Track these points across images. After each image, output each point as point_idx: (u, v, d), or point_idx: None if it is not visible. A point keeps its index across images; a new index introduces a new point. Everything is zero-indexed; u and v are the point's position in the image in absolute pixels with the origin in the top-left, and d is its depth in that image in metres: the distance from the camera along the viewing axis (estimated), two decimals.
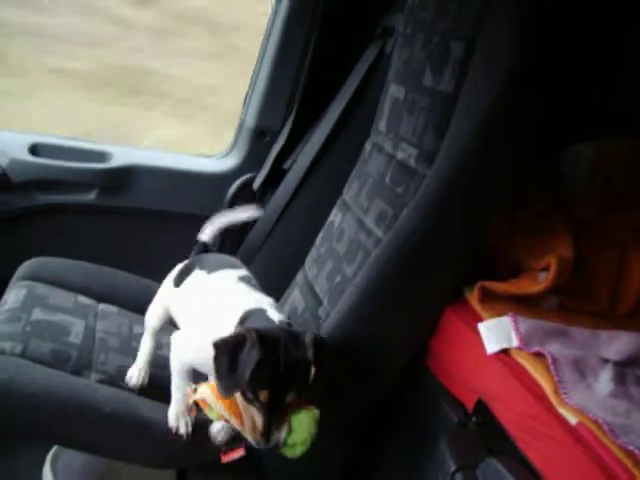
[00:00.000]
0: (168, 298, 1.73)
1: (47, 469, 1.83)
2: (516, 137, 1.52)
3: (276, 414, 1.31)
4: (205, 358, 1.40)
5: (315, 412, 1.38)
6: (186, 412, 1.53)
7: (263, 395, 1.28)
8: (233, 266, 1.67)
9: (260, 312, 1.43)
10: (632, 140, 1.91)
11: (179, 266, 1.79)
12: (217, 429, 1.55)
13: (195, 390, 1.43)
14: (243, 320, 1.40)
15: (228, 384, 1.30)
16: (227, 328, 1.38)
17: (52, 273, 1.99)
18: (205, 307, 1.54)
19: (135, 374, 1.67)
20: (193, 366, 1.53)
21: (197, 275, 1.66)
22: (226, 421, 1.39)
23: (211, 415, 1.39)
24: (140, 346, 1.74)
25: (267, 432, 1.31)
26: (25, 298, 1.83)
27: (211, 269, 1.64)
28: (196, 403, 1.44)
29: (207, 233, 1.90)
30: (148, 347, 1.73)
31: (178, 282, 1.70)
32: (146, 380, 1.67)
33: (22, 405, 1.48)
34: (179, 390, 1.53)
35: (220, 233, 2.50)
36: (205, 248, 1.87)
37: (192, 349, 1.50)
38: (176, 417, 1.53)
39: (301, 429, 1.35)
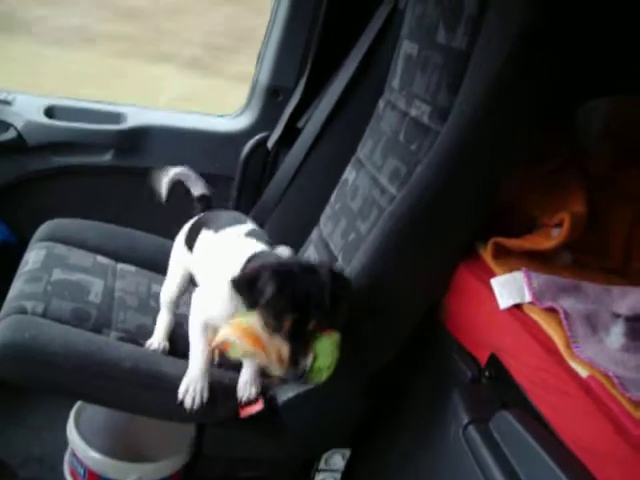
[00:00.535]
0: (186, 263, 1.74)
1: (71, 424, 1.87)
2: (529, 94, 1.51)
3: (300, 342, 1.35)
4: (221, 310, 1.46)
5: (336, 336, 1.42)
6: (204, 376, 1.56)
7: (286, 323, 1.32)
8: (238, 222, 1.68)
9: (267, 252, 1.47)
10: None
11: (185, 229, 1.81)
12: (243, 383, 1.60)
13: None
14: (250, 261, 1.43)
15: (248, 304, 1.35)
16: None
17: (71, 234, 2.02)
18: (216, 264, 1.56)
19: (154, 346, 1.69)
20: (211, 321, 1.55)
21: (205, 236, 1.67)
22: (251, 357, 1.42)
23: (235, 354, 1.40)
24: (157, 321, 1.75)
25: (294, 360, 1.34)
26: (45, 258, 1.86)
27: (217, 228, 1.65)
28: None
29: (201, 186, 1.90)
30: (165, 321, 1.75)
31: (190, 245, 1.72)
32: (163, 346, 1.70)
33: (45, 363, 1.52)
34: (198, 346, 1.55)
35: (237, 192, 2.53)
36: (207, 201, 1.88)
37: (209, 303, 1.54)
38: (186, 387, 1.55)
39: (325, 354, 1.39)
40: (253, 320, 1.36)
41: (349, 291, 1.46)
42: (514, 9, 1.44)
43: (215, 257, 1.59)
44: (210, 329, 1.54)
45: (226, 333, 1.39)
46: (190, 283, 1.77)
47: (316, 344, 1.39)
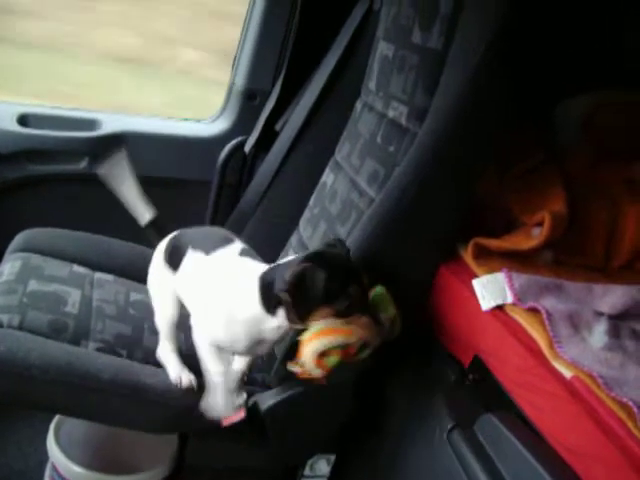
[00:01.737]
0: (172, 286, 1.65)
1: (51, 437, 1.84)
2: (506, 92, 1.51)
3: (368, 302, 1.39)
4: (233, 337, 1.46)
5: (382, 287, 1.46)
6: (233, 392, 1.54)
7: (353, 289, 1.34)
8: (227, 241, 1.63)
9: (274, 266, 1.46)
10: (627, 93, 1.89)
11: (161, 248, 1.73)
12: (210, 397, 1.57)
13: (298, 363, 1.41)
14: (265, 282, 1.42)
15: (304, 308, 1.34)
16: (252, 301, 1.42)
17: (46, 244, 1.99)
18: (218, 288, 1.51)
19: (185, 382, 1.59)
20: (221, 344, 1.52)
21: (195, 258, 1.60)
22: (346, 353, 1.38)
23: (331, 363, 1.37)
24: (162, 356, 1.66)
25: (377, 320, 1.38)
26: (20, 270, 1.83)
27: (207, 249, 1.59)
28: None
29: (144, 210, 1.82)
30: (174, 352, 1.65)
31: (174, 265, 1.64)
32: (193, 379, 1.60)
33: (21, 376, 1.49)
34: (216, 368, 1.52)
35: (214, 197, 2.51)
36: (157, 223, 1.81)
37: (218, 328, 1.49)
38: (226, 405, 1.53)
39: (385, 302, 1.45)
40: (323, 321, 1.36)
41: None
42: (489, 8, 1.43)
43: (214, 282, 1.54)
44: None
45: (315, 346, 1.36)
46: None
47: (375, 301, 1.43)
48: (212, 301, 1.51)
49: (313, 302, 1.33)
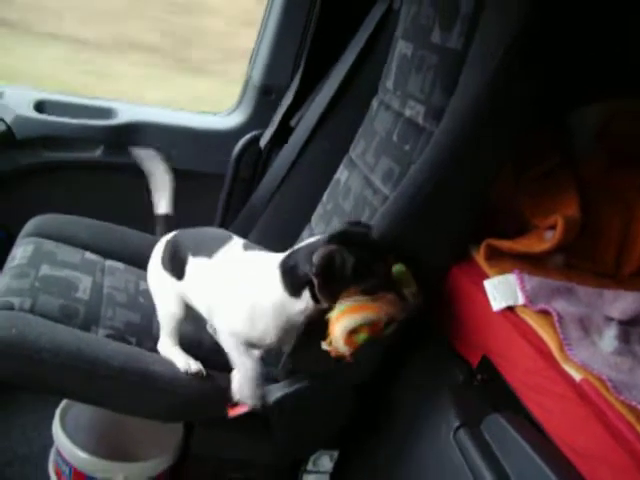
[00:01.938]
0: (177, 290, 1.67)
1: (56, 423, 1.85)
2: (524, 94, 1.50)
3: (392, 279, 1.44)
4: (263, 327, 1.48)
5: (402, 264, 1.51)
6: (255, 382, 1.55)
7: (380, 268, 1.40)
8: (225, 239, 1.65)
9: (294, 250, 1.49)
10: None
11: (157, 252, 1.75)
12: (238, 384, 1.57)
13: (330, 342, 1.43)
14: (287, 267, 1.45)
15: (333, 290, 1.38)
16: (275, 288, 1.45)
17: (59, 230, 2.00)
18: (236, 287, 1.53)
19: (194, 368, 1.61)
20: (250, 340, 1.54)
21: (198, 264, 1.62)
22: (373, 329, 1.40)
23: (360, 338, 1.39)
24: (165, 352, 1.66)
25: (401, 295, 1.42)
26: (33, 254, 1.84)
27: (208, 253, 1.61)
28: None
29: (164, 204, 1.88)
30: (173, 345, 1.66)
31: (177, 273, 1.65)
32: (200, 366, 1.62)
33: (31, 359, 1.49)
34: (242, 360, 1.54)
35: (227, 190, 2.52)
36: (169, 220, 1.86)
37: (245, 324, 1.50)
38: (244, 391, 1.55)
39: (407, 278, 1.50)
40: (351, 300, 1.39)
41: None
42: (511, 9, 1.43)
43: (228, 283, 1.55)
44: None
45: (344, 324, 1.38)
46: None
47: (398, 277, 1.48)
48: (233, 301, 1.53)
49: (342, 282, 1.37)
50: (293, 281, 1.44)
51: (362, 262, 1.36)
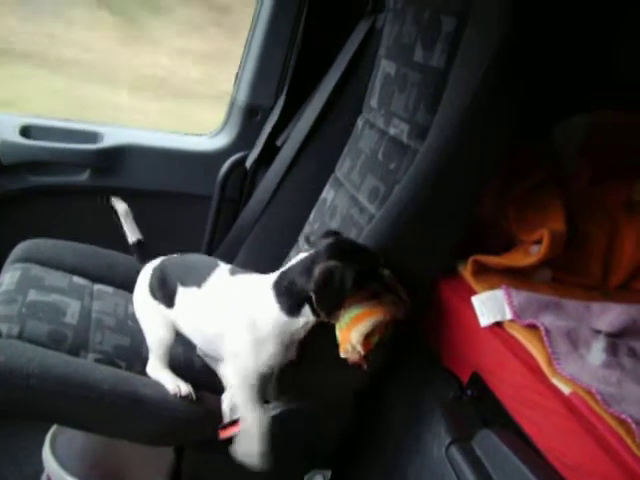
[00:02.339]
0: (167, 318, 1.66)
1: (47, 449, 1.83)
2: (507, 110, 1.52)
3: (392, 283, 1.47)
4: (269, 353, 1.48)
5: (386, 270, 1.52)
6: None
7: (381, 270, 1.46)
8: (211, 267, 1.65)
9: (285, 270, 1.49)
10: (625, 113, 1.91)
11: (144, 278, 1.74)
12: (228, 406, 1.59)
13: (346, 350, 1.44)
14: (281, 287, 1.46)
15: (333, 304, 1.40)
16: (272, 310, 1.46)
17: (46, 254, 1.99)
18: (232, 317, 1.53)
19: (184, 390, 1.60)
20: (262, 371, 1.53)
21: (188, 294, 1.62)
22: (381, 330, 1.42)
23: (375, 340, 1.42)
24: (154, 375, 1.65)
25: (400, 295, 1.46)
26: (20, 280, 1.83)
27: (197, 283, 1.61)
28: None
29: (131, 232, 1.87)
30: (163, 369, 1.65)
31: (166, 301, 1.65)
32: (190, 388, 1.62)
33: (20, 386, 1.48)
34: (254, 415, 1.52)
35: (214, 212, 2.52)
36: (142, 247, 1.85)
37: (250, 356, 1.50)
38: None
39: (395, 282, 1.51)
40: (356, 307, 1.42)
41: None
42: (492, 27, 1.45)
43: (223, 310, 1.55)
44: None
45: (360, 330, 1.40)
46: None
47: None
48: (233, 329, 1.52)
49: (342, 295, 1.38)
50: (290, 300, 1.44)
51: (362, 270, 1.39)
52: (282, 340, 1.48)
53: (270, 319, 1.46)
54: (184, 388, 1.60)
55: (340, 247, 1.44)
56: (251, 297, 1.51)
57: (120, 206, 1.87)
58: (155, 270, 1.72)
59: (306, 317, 1.45)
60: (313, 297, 1.39)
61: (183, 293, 1.62)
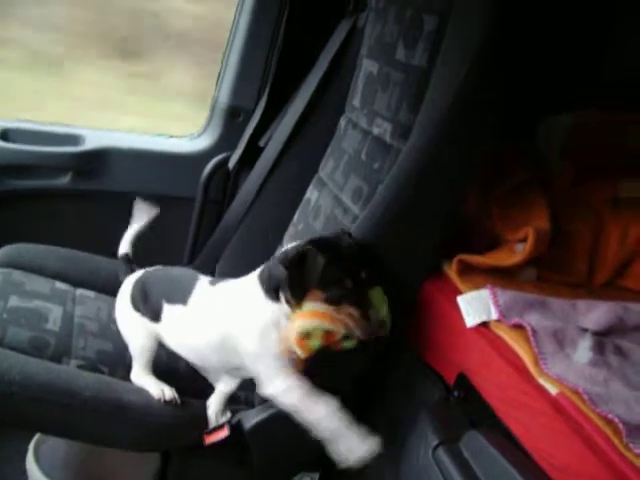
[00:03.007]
0: (152, 331, 1.66)
1: (30, 457, 1.82)
2: (490, 109, 1.51)
3: (362, 297, 1.41)
4: (274, 340, 1.45)
5: (379, 288, 1.49)
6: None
7: (348, 282, 1.38)
8: (192, 280, 1.65)
9: (268, 263, 1.50)
10: (606, 111, 1.91)
11: (126, 289, 1.75)
12: (214, 410, 1.61)
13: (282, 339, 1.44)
14: (265, 275, 1.47)
15: (299, 288, 1.39)
16: (261, 302, 1.46)
17: (28, 259, 1.97)
18: (223, 324, 1.53)
19: (169, 394, 1.60)
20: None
21: (174, 311, 1.62)
22: (327, 339, 1.39)
23: (313, 345, 1.39)
24: (138, 381, 1.65)
25: (366, 315, 1.39)
26: (1, 285, 1.81)
27: (181, 299, 1.61)
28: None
29: (125, 245, 1.91)
30: (147, 375, 1.65)
31: (151, 315, 1.65)
32: (175, 392, 1.61)
33: (2, 394, 1.47)
34: (313, 399, 1.47)
35: (198, 214, 2.51)
36: (129, 260, 1.89)
37: (264, 344, 1.47)
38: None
39: (380, 303, 1.47)
40: (313, 304, 1.39)
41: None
42: (474, 25, 1.44)
43: (213, 321, 1.55)
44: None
45: (300, 325, 1.38)
46: None
47: (370, 298, 1.46)
48: (240, 334, 1.50)
49: (309, 282, 1.37)
50: (270, 285, 1.44)
51: (333, 270, 1.37)
52: (281, 325, 1.46)
53: (261, 307, 1.46)
54: (168, 393, 1.59)
55: (324, 241, 1.44)
56: (239, 296, 1.51)
57: (143, 210, 1.92)
58: (137, 283, 1.73)
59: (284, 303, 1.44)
60: (281, 279, 1.40)
61: (169, 310, 1.62)
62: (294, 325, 1.39)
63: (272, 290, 1.44)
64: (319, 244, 1.40)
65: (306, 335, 1.38)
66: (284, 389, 1.45)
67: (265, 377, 1.48)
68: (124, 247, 1.90)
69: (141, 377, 1.63)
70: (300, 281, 1.38)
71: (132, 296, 1.71)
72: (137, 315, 1.68)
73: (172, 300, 1.62)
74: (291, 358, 1.43)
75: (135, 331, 1.68)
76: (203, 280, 1.64)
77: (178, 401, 1.58)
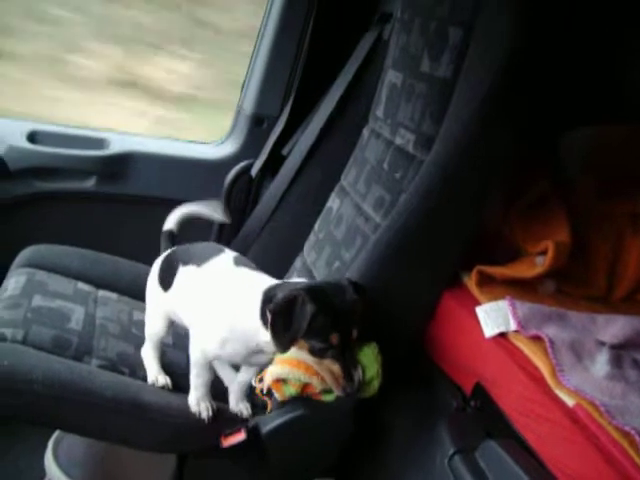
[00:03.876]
0: (164, 305, 1.69)
1: (49, 454, 1.84)
2: (513, 123, 1.52)
3: (348, 354, 1.37)
4: (232, 350, 1.48)
5: (374, 345, 1.46)
6: (207, 397, 1.59)
7: (334, 338, 1.34)
8: (218, 251, 1.65)
9: (281, 283, 1.47)
10: (629, 126, 1.91)
11: (156, 265, 1.77)
12: (235, 404, 1.65)
13: (261, 379, 1.47)
14: (269, 297, 1.41)
15: (286, 339, 1.34)
16: (253, 313, 1.43)
17: (51, 260, 2.00)
18: (217, 301, 1.52)
19: (161, 381, 1.65)
20: (217, 358, 1.58)
21: (187, 272, 1.63)
22: (305, 389, 1.42)
23: (288, 392, 1.42)
24: (145, 357, 1.71)
25: (349, 375, 1.36)
26: (25, 285, 1.84)
27: (198, 262, 1.61)
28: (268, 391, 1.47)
29: (172, 221, 1.89)
30: (155, 357, 1.70)
31: (166, 285, 1.67)
32: (169, 380, 1.66)
33: (23, 391, 1.49)
34: (199, 378, 1.57)
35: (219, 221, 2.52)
36: (172, 237, 1.87)
37: (216, 344, 1.50)
38: (197, 402, 1.58)
39: (370, 363, 1.44)
40: (296, 351, 1.38)
41: (366, 299, 1.45)
42: (499, 36, 1.45)
43: (211, 294, 1.55)
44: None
45: (275, 371, 1.40)
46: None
47: (360, 356, 1.43)
48: (212, 312, 1.52)
49: (294, 332, 1.32)
50: (264, 312, 1.40)
51: (320, 320, 1.32)
52: (249, 345, 1.46)
53: (248, 321, 1.43)
54: (161, 379, 1.65)
55: (321, 291, 1.37)
56: (245, 294, 1.48)
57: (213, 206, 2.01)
58: (165, 257, 1.76)
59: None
60: (268, 319, 1.35)
61: (182, 272, 1.63)
62: (272, 368, 1.41)
63: (265, 317, 1.40)
64: (313, 291, 1.34)
65: (283, 380, 1.40)
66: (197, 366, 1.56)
67: (200, 339, 1.54)
68: (170, 223, 1.89)
69: (147, 357, 1.70)
70: (286, 327, 1.33)
71: (159, 269, 1.73)
72: (159, 290, 1.70)
73: (187, 262, 1.63)
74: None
75: (154, 308, 1.72)
76: (229, 254, 1.63)
77: (170, 386, 1.65)
